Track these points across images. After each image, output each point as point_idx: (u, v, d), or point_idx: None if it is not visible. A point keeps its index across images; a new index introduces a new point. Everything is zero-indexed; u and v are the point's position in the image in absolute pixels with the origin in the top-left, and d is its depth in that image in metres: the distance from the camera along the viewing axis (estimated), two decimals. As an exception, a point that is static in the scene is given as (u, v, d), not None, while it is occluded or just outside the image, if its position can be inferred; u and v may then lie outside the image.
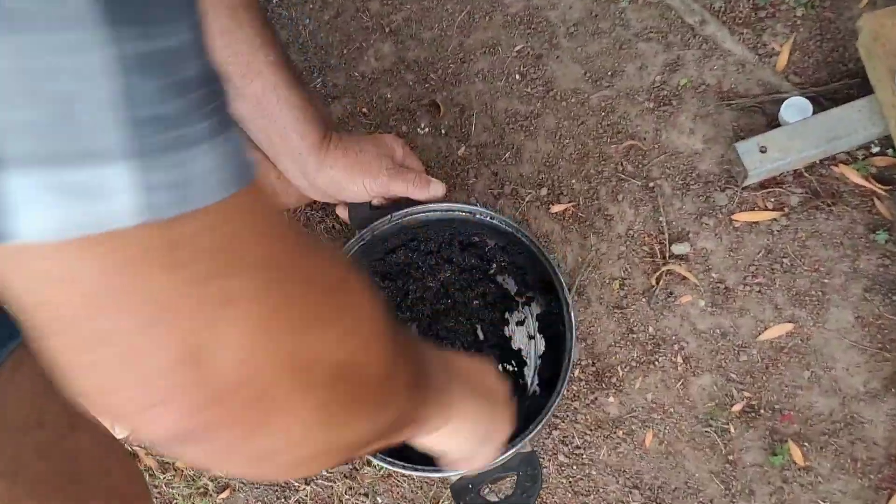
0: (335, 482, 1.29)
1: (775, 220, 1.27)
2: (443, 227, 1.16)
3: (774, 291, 1.26)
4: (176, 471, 1.29)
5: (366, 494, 1.29)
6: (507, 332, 1.22)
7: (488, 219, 1.08)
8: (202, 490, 1.29)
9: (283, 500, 1.30)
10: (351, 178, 1.06)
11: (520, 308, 1.23)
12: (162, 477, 1.29)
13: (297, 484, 1.29)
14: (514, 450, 0.96)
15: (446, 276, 1.18)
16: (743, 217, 1.27)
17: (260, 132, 1.02)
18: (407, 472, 1.02)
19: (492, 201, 1.33)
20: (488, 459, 0.76)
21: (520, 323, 1.23)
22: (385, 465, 1.00)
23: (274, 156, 1.05)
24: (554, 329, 1.18)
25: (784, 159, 1.20)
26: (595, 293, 1.30)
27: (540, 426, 0.98)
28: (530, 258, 1.09)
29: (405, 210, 1.09)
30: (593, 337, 1.29)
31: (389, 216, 1.10)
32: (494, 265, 1.19)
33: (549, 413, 0.99)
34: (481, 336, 1.20)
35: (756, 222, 1.27)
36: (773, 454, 1.22)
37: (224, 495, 1.29)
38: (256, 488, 1.30)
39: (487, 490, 1.06)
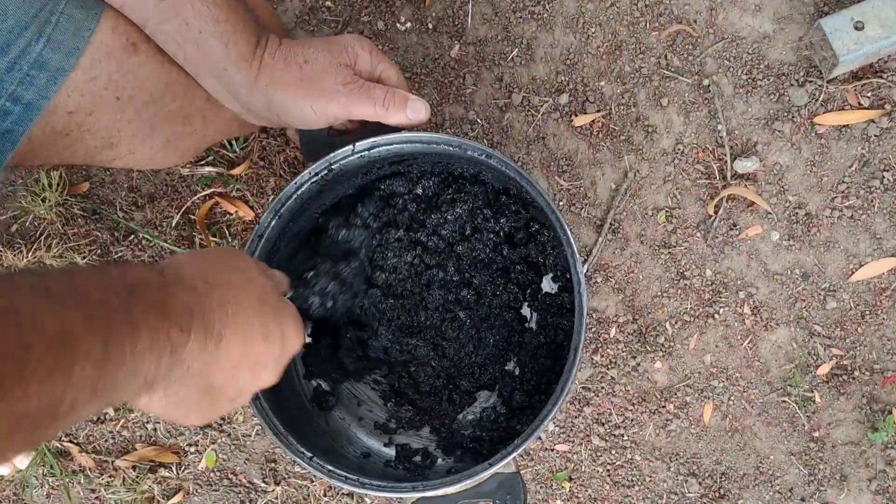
0: (312, 482, 1.03)
1: (873, 121, 0.97)
2: (426, 163, 0.87)
3: (872, 216, 0.96)
4: (115, 471, 1.05)
5: (349, 495, 1.03)
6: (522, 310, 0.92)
7: (484, 157, 0.77)
8: (148, 496, 1.05)
9: (248, 502, 1.05)
10: (295, 100, 0.78)
11: (527, 296, 0.91)
12: (100, 479, 1.05)
13: (264, 485, 1.04)
14: (492, 470, 0.71)
15: (434, 227, 0.90)
16: (829, 119, 0.97)
17: (170, 41, 0.76)
18: (358, 492, 0.77)
19: (497, 115, 1.03)
20: (223, 412, 0.61)
21: (531, 305, 0.92)
22: (339, 483, 0.75)
23: (194, 72, 0.78)
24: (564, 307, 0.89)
25: (888, 37, 0.96)
26: (634, 229, 1.00)
27: (529, 440, 0.71)
28: (542, 213, 0.78)
29: (372, 140, 0.80)
30: (633, 286, 1.00)
31: (352, 146, 0.81)
32: (504, 215, 0.89)
33: (548, 419, 0.71)
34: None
35: (847, 126, 0.97)
36: (873, 429, 0.96)
37: (176, 499, 1.05)
38: (215, 490, 1.06)
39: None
